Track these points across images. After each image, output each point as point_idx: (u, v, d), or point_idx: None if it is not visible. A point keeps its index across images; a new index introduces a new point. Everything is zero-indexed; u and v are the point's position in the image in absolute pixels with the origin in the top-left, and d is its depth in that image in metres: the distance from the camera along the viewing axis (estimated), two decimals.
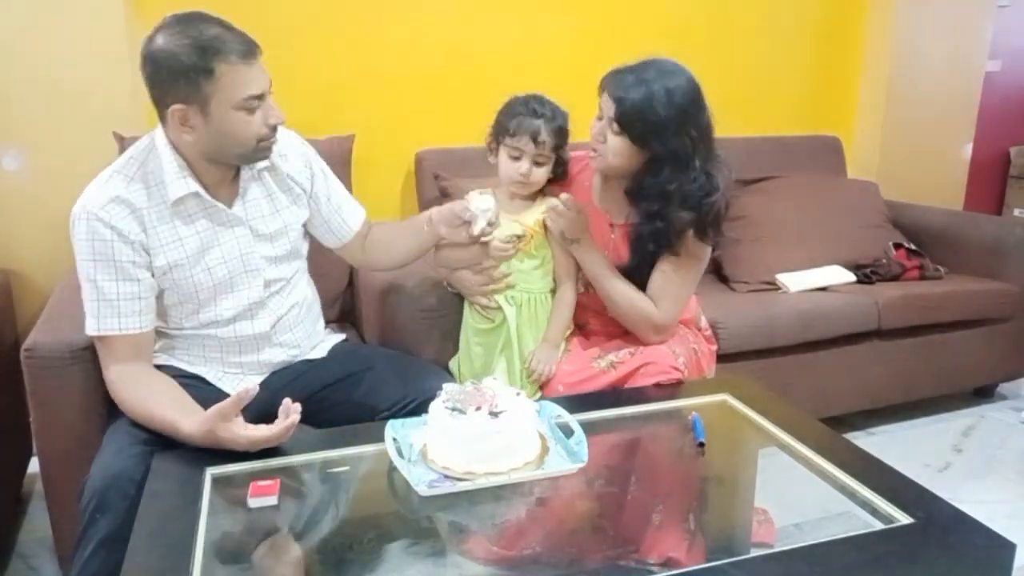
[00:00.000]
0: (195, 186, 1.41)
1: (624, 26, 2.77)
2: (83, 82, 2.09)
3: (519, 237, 1.70)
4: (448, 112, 2.54)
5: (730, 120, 2.96)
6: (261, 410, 1.36)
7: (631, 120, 1.55)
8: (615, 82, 1.57)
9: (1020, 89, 3.91)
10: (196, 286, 1.45)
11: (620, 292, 1.67)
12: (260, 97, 1.37)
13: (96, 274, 1.36)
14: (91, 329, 1.38)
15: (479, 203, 1.56)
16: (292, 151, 1.59)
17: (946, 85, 3.30)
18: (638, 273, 1.69)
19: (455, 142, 2.41)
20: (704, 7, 2.91)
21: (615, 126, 1.57)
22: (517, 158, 1.67)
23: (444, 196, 2.30)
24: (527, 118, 1.64)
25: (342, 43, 2.45)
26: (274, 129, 1.42)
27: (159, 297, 1.45)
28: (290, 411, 1.27)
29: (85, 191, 1.40)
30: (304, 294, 1.65)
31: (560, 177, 1.76)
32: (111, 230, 1.36)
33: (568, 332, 1.80)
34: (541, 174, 1.69)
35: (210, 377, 1.52)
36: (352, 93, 2.48)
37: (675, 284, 1.66)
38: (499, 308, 1.74)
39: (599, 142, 1.62)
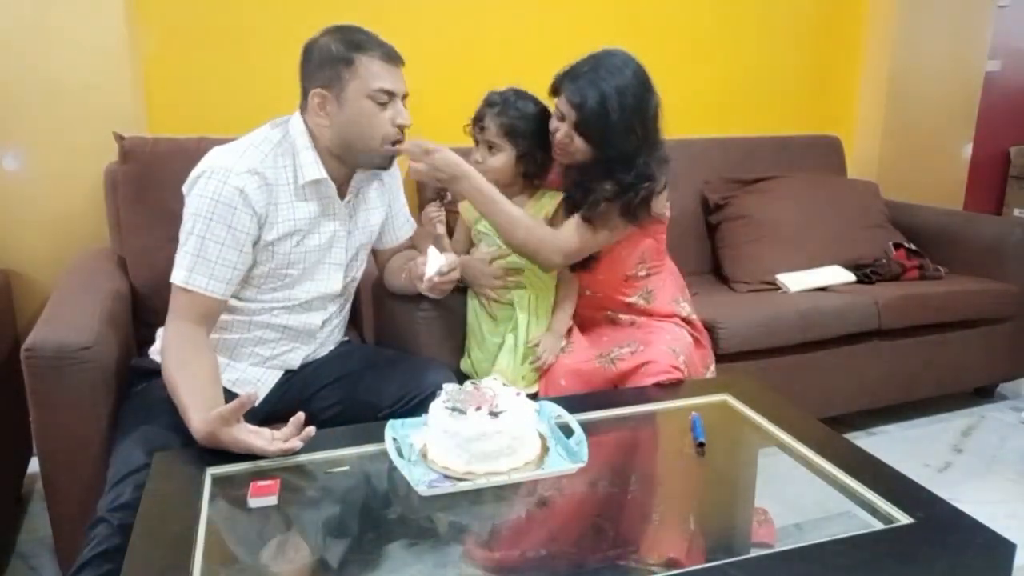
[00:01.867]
0: (324, 173, 1.50)
1: (625, 27, 2.77)
2: (83, 82, 2.08)
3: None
4: (448, 112, 2.53)
5: (730, 120, 3.01)
6: (267, 403, 1.52)
7: (589, 126, 1.62)
8: (572, 87, 1.63)
9: (1020, 89, 3.91)
10: (290, 264, 1.52)
11: (518, 217, 1.67)
12: (391, 94, 1.48)
13: (206, 232, 1.41)
14: (179, 279, 1.42)
15: (433, 259, 1.55)
16: None
17: (946, 85, 3.30)
18: None
19: (455, 142, 2.40)
20: (705, 7, 2.91)
21: (576, 130, 1.63)
22: (476, 145, 1.76)
23: (444, 196, 2.29)
24: (480, 107, 1.74)
25: None
26: (401, 130, 1.51)
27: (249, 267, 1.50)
28: (298, 432, 1.28)
29: (218, 155, 1.45)
30: (348, 305, 1.73)
31: (538, 172, 1.78)
32: (242, 197, 1.42)
33: (570, 323, 1.82)
34: (495, 161, 1.74)
35: (228, 378, 1.53)
36: None
37: (581, 226, 1.67)
38: (508, 303, 1.77)
39: (567, 143, 1.66)
